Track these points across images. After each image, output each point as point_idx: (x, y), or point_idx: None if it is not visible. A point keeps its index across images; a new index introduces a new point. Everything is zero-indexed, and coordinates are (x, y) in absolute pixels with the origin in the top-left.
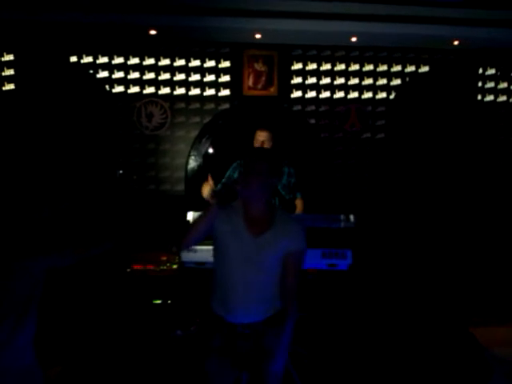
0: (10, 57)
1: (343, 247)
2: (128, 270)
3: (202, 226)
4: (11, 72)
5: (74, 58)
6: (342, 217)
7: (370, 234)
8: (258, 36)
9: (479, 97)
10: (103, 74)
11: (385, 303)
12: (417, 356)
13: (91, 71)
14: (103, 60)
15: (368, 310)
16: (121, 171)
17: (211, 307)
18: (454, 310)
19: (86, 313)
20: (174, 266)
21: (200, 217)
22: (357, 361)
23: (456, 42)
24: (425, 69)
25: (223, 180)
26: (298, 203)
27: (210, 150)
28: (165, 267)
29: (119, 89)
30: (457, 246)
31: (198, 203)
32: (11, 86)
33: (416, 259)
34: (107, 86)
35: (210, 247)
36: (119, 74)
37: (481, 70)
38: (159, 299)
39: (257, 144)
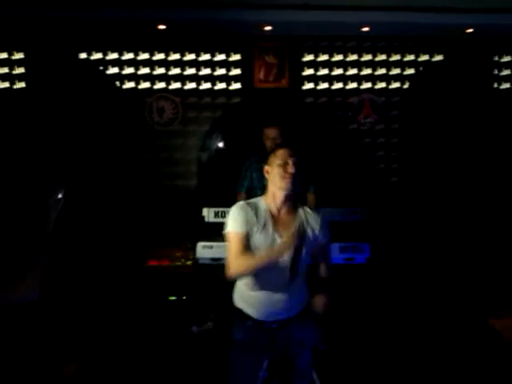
0: (20, 55)
1: (361, 241)
2: (143, 265)
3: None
4: (22, 70)
5: (83, 55)
6: (359, 210)
7: (388, 227)
8: (268, 28)
9: (495, 84)
10: (113, 70)
11: (404, 297)
12: (437, 351)
13: (101, 68)
14: (113, 56)
15: (387, 304)
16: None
17: (235, 303)
18: (474, 303)
19: (101, 310)
20: (189, 262)
21: (267, 257)
22: (376, 357)
23: (470, 30)
24: (439, 57)
25: (240, 181)
26: (310, 197)
27: (222, 144)
28: (179, 263)
29: (129, 85)
30: (476, 238)
31: (211, 198)
32: (22, 85)
33: (436, 252)
34: (117, 83)
35: (225, 243)
36: (129, 70)
37: (496, 58)
38: (174, 295)
39: (268, 141)
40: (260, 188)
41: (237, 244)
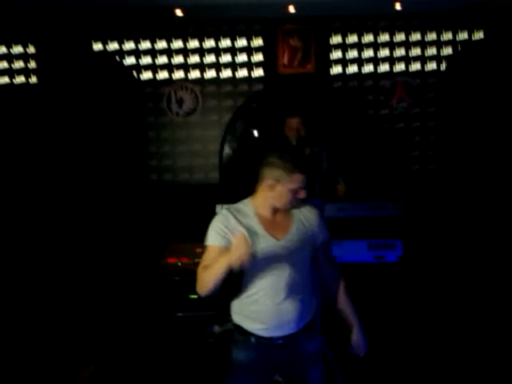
0: (32, 49)
1: (392, 237)
2: (161, 263)
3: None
4: (33, 65)
5: (98, 45)
6: (390, 204)
7: (422, 221)
8: (291, 9)
9: None
10: (130, 60)
11: (440, 297)
12: (476, 357)
13: (117, 58)
14: (129, 45)
15: (421, 305)
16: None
17: (233, 319)
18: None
19: (119, 310)
20: None
21: (220, 264)
22: (408, 362)
23: None
24: (479, 35)
25: None
26: (340, 188)
27: (246, 134)
28: (199, 260)
29: (147, 75)
30: None
31: (233, 192)
32: (34, 80)
33: (479, 249)
34: (135, 73)
35: None
36: (147, 60)
37: None
38: (195, 294)
39: (290, 131)
40: None
41: (210, 257)
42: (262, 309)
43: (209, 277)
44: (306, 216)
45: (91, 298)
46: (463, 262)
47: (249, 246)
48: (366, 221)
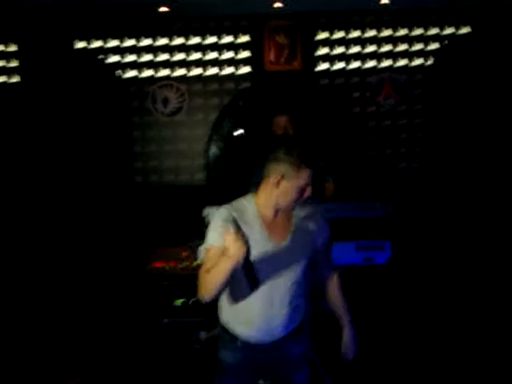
0: (13, 47)
1: (380, 238)
2: (147, 267)
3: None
4: (15, 64)
5: (81, 43)
6: (378, 204)
7: (411, 221)
8: (278, 5)
9: None
10: (113, 58)
11: (430, 299)
12: (465, 358)
13: (100, 56)
14: (113, 43)
15: (411, 308)
16: None
17: (221, 320)
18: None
19: (105, 318)
20: (196, 263)
21: (221, 266)
22: (396, 364)
23: None
24: (466, 30)
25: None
26: (329, 187)
27: (232, 134)
28: (186, 264)
29: (131, 73)
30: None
31: (220, 193)
32: (17, 79)
33: (468, 250)
34: (118, 72)
35: None
36: (130, 58)
37: None
38: (181, 299)
39: (278, 130)
40: None
41: (214, 259)
42: (253, 313)
43: (211, 280)
44: (308, 217)
45: (76, 306)
46: (452, 262)
47: (239, 239)
48: (354, 221)
